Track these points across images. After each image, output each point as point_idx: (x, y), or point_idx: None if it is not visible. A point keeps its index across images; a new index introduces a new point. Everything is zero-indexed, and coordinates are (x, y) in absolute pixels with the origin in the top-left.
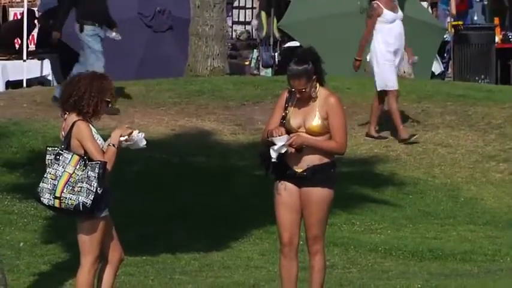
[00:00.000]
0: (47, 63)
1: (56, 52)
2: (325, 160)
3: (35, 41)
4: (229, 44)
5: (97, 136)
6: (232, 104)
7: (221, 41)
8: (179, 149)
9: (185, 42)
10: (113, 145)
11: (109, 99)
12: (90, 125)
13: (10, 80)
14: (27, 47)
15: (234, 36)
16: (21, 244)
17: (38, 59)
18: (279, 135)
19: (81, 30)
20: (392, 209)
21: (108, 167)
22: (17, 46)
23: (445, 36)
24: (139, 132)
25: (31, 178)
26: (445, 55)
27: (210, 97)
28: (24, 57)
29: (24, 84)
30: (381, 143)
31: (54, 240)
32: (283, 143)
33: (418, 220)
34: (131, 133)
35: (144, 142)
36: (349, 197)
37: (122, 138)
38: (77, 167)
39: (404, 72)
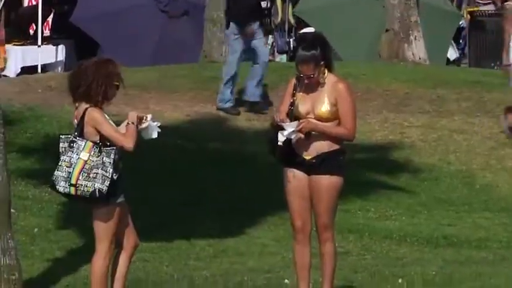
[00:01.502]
0: (62, 48)
1: (71, 38)
2: (334, 147)
3: (50, 27)
4: None
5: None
6: None
7: None
8: (194, 135)
9: (200, 28)
10: (132, 123)
11: (118, 83)
12: (102, 111)
13: (25, 66)
14: (42, 32)
15: None
16: (36, 230)
17: (53, 45)
18: (281, 120)
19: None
20: (407, 195)
21: (131, 143)
22: (31, 32)
23: (460, 23)
24: (154, 121)
25: (46, 164)
26: (461, 41)
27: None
28: (39, 42)
29: (39, 70)
30: (396, 129)
31: (69, 226)
32: (292, 129)
33: (433, 207)
34: (145, 117)
35: (156, 134)
36: (364, 183)
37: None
38: (91, 153)
39: (419, 58)
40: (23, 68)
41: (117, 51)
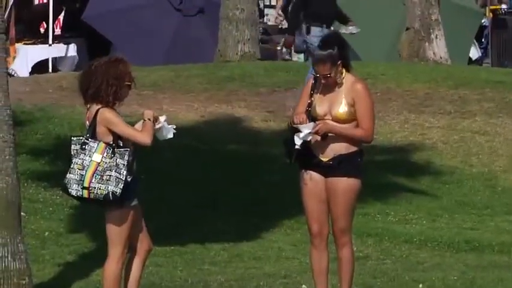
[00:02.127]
0: (73, 47)
1: (82, 36)
2: (352, 149)
3: (61, 25)
4: (261, 29)
5: None
6: (264, 90)
7: (252, 25)
8: (209, 137)
9: (215, 27)
10: (148, 119)
11: (129, 83)
12: (115, 111)
13: (35, 63)
14: (53, 31)
15: (265, 20)
16: (47, 233)
17: (64, 44)
18: (300, 123)
19: (308, 31)
20: (428, 198)
21: (149, 138)
22: (42, 30)
23: (482, 21)
24: (169, 124)
25: (56, 166)
26: (483, 40)
27: (240, 83)
28: (50, 41)
29: (50, 69)
30: (417, 130)
31: (80, 229)
32: (309, 131)
33: (454, 210)
34: (157, 117)
35: (172, 134)
36: (384, 186)
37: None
38: (104, 155)
39: (441, 57)
40: (33, 67)
41: (129, 50)
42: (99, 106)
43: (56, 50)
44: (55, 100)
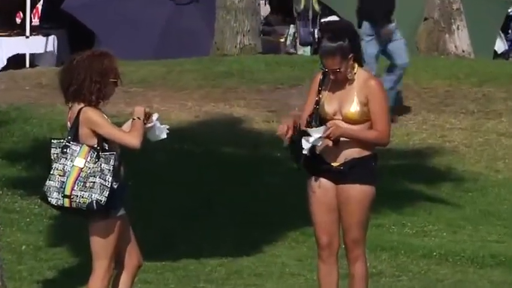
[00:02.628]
0: (53, 40)
1: (63, 27)
2: (365, 153)
3: (40, 15)
4: (262, 19)
5: None
6: (265, 88)
7: (252, 14)
8: (204, 139)
9: (211, 16)
10: (138, 118)
11: (115, 79)
12: (99, 111)
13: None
14: (31, 21)
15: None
16: (24, 247)
17: (43, 35)
18: (281, 133)
19: (359, 27)
20: (448, 208)
21: (138, 139)
22: (18, 21)
23: (509, 10)
24: (161, 124)
25: (35, 171)
26: (510, 32)
27: (239, 79)
28: (27, 33)
29: (27, 64)
30: (436, 132)
31: (61, 242)
32: (319, 135)
33: (478, 221)
34: (150, 115)
35: (165, 134)
36: (399, 194)
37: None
38: (88, 159)
39: (463, 51)
40: (9, 61)
41: (116, 43)
42: (82, 105)
43: (34, 43)
44: (33, 99)
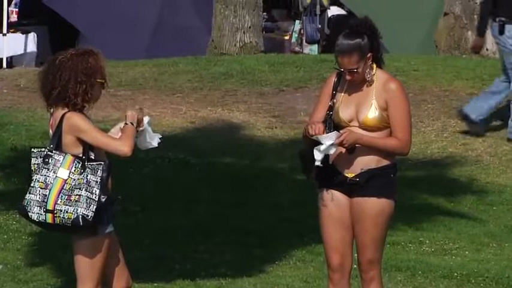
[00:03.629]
0: (33, 37)
1: (44, 24)
2: (384, 162)
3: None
4: (265, 14)
5: None
6: (268, 90)
7: (254, 9)
8: (200, 147)
9: (208, 11)
10: (131, 123)
11: (101, 80)
12: (84, 116)
13: None
14: (8, 17)
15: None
16: (1, 267)
17: (22, 33)
18: (318, 133)
19: (501, 31)
20: (471, 224)
21: (129, 146)
22: None
23: None
24: (153, 131)
25: (13, 184)
26: None
27: (239, 81)
28: (5, 30)
29: (4, 65)
30: (457, 140)
31: (42, 262)
32: (331, 142)
33: (503, 238)
34: (141, 119)
35: (156, 142)
36: (417, 208)
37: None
38: (72, 170)
39: (487, 49)
40: None
41: (102, 42)
42: (65, 110)
43: (12, 41)
44: (10, 103)
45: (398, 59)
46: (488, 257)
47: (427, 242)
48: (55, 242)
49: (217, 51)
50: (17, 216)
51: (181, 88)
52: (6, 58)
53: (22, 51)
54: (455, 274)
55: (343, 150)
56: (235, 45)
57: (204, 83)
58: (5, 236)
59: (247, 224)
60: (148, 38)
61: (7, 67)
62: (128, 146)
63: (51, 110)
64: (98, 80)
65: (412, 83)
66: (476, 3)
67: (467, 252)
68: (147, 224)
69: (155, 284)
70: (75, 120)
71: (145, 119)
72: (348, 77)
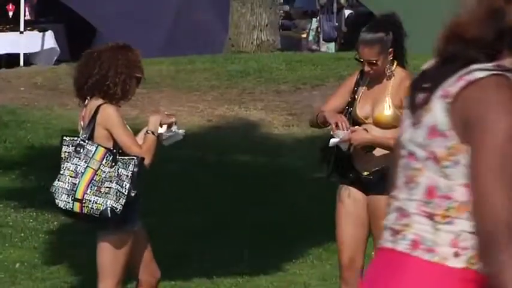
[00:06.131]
0: (50, 36)
1: (61, 22)
2: None
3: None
4: (282, 12)
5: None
6: (285, 88)
7: (271, 7)
8: (218, 145)
9: (225, 9)
10: (152, 132)
11: (139, 75)
12: (118, 110)
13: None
14: (25, 15)
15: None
16: (18, 265)
17: (39, 31)
18: (337, 128)
19: None
20: None
21: (147, 160)
22: (10, 14)
23: None
24: (179, 129)
25: (30, 182)
26: None
27: (256, 79)
28: (22, 28)
29: (21, 62)
30: None
31: (59, 260)
32: (338, 139)
33: None
34: (172, 123)
35: (181, 136)
36: None
37: (162, 130)
38: (104, 162)
39: None
40: (0, 59)
41: (119, 39)
42: (101, 101)
43: (29, 39)
44: (27, 100)
45: (416, 57)
46: None
47: None
48: (71, 241)
49: (234, 49)
50: (34, 214)
51: (198, 86)
52: (24, 56)
53: (39, 49)
54: None
55: (355, 146)
56: (252, 43)
57: (221, 81)
58: (22, 234)
59: (265, 222)
60: (165, 35)
61: (24, 65)
62: (148, 159)
63: (86, 101)
64: (137, 75)
65: None
66: None
67: None
68: (164, 222)
69: (172, 282)
70: (109, 112)
71: (174, 127)
72: (366, 68)
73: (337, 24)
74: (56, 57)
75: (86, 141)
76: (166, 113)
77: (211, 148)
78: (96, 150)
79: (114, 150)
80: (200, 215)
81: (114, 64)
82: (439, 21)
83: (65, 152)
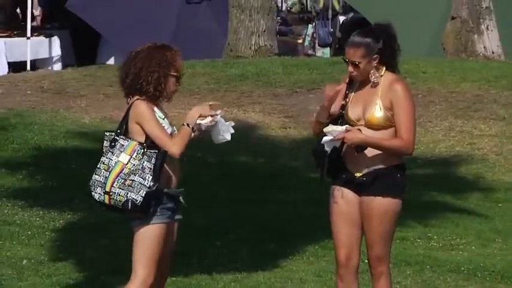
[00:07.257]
0: (56, 41)
1: (66, 28)
2: (391, 162)
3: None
4: (279, 18)
5: (163, 122)
6: (282, 92)
7: (268, 14)
8: (217, 146)
9: (225, 16)
10: (187, 124)
11: (176, 74)
12: (156, 108)
13: (11, 61)
14: (32, 20)
15: (284, 8)
16: (25, 262)
17: (45, 36)
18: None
19: None
20: (477, 220)
21: (178, 150)
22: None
23: None
24: (226, 121)
25: (36, 181)
26: None
27: (254, 83)
28: (28, 34)
29: (28, 67)
30: (464, 139)
31: (65, 257)
32: (332, 137)
33: (509, 234)
34: (214, 115)
35: (229, 135)
36: (425, 205)
37: (201, 121)
38: (133, 156)
39: (493, 52)
40: (9, 65)
41: (123, 44)
42: (136, 98)
43: (36, 45)
44: (34, 103)
45: (407, 62)
46: (494, 252)
47: (435, 237)
48: (77, 238)
49: (233, 54)
50: (41, 212)
51: (198, 90)
52: (30, 61)
53: (46, 55)
54: (462, 268)
55: (351, 148)
56: (250, 48)
57: (220, 85)
58: (29, 232)
59: (263, 220)
60: (166, 40)
61: (31, 69)
62: (178, 148)
63: (128, 100)
64: (172, 73)
65: (420, 85)
66: (482, 7)
67: (473, 248)
68: None
69: (173, 278)
70: (140, 107)
71: (219, 112)
72: (350, 69)
73: (332, 30)
74: (61, 63)
75: (120, 136)
76: (210, 103)
77: (210, 149)
78: (128, 144)
79: (145, 144)
80: (200, 214)
81: (147, 63)
82: (430, 25)
83: (105, 146)
